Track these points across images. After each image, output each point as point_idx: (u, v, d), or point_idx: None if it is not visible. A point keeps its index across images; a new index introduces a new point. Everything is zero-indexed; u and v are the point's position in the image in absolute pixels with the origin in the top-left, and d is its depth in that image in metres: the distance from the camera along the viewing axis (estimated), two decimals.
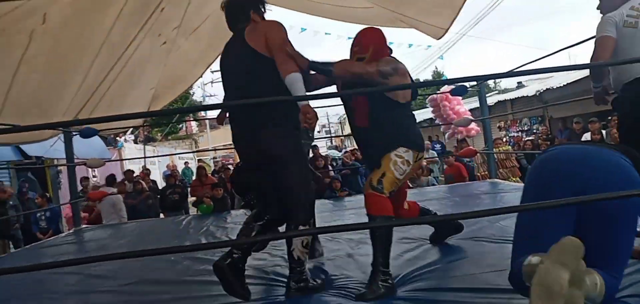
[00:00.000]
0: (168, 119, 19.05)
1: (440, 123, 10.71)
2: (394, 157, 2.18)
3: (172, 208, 7.12)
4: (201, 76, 7.50)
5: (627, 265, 1.66)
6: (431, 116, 12.35)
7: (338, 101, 4.79)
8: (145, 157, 14.64)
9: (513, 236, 1.68)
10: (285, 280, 2.21)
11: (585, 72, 7.48)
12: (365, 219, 2.23)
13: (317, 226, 2.66)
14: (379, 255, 2.09)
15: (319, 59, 2.16)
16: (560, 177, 1.57)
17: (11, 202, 6.97)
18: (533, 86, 13.97)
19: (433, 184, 7.68)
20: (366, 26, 2.41)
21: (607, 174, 1.51)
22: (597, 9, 2.65)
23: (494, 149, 6.67)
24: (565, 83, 10.94)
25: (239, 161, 3.30)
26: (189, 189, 7.94)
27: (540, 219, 1.56)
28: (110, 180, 7.48)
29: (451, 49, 34.84)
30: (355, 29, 2.38)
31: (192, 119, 17.96)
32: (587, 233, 1.46)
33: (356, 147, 3.65)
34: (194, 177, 10.10)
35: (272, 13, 2.45)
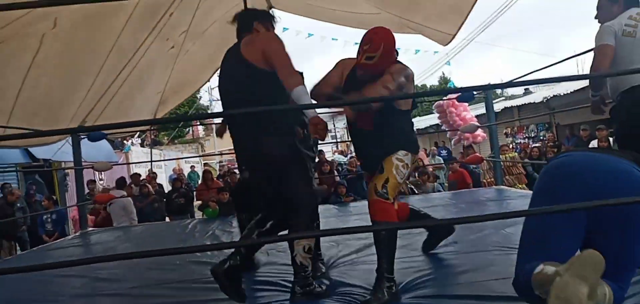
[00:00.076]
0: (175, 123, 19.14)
1: (447, 129, 10.68)
2: (396, 160, 2.20)
3: (178, 212, 7.15)
4: (209, 81, 7.55)
5: (635, 274, 1.65)
6: (438, 121, 12.33)
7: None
8: (152, 161, 14.70)
9: (519, 241, 1.66)
10: (291, 286, 2.21)
11: None
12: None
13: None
14: (383, 261, 2.10)
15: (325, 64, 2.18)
16: (569, 183, 1.54)
17: (19, 204, 7.03)
18: (540, 93, 13.87)
19: (439, 191, 7.65)
20: (376, 26, 2.41)
21: (617, 181, 1.49)
22: (595, 18, 2.66)
23: (501, 156, 6.63)
24: (572, 90, 10.85)
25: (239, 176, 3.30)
26: (195, 192, 7.96)
27: (548, 224, 1.54)
28: (121, 183, 7.39)
29: (458, 54, 34.75)
30: (362, 34, 2.38)
31: (198, 123, 18.04)
32: (597, 241, 1.44)
33: None
34: (200, 181, 10.13)
35: (281, 19, 2.46)
